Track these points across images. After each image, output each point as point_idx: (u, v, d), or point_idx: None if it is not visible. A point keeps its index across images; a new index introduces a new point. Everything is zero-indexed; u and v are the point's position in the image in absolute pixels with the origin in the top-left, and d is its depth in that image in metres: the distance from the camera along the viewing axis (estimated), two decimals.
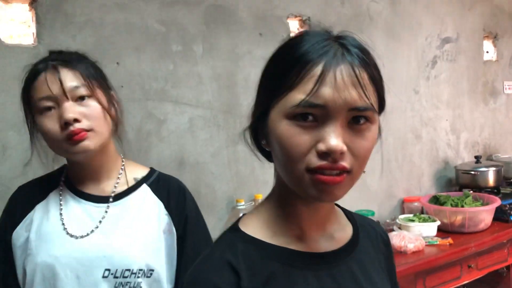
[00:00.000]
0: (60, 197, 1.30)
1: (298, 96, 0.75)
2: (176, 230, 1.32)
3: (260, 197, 2.44)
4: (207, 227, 1.41)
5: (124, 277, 1.20)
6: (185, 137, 2.36)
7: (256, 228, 0.87)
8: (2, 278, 1.31)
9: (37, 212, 1.29)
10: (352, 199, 1.90)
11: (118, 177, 1.33)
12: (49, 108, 1.20)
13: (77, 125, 1.19)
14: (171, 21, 2.29)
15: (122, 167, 1.36)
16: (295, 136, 0.76)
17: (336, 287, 0.84)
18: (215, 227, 2.38)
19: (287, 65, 0.77)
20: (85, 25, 2.03)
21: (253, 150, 0.89)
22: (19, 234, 1.29)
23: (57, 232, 1.24)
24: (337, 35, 0.80)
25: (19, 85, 1.27)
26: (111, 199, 1.30)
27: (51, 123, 1.19)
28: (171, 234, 1.32)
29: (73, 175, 1.33)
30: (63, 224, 1.25)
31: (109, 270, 1.20)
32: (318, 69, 0.74)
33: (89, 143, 1.21)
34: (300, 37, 0.79)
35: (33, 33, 1.88)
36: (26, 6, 1.94)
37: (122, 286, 1.20)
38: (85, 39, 2.03)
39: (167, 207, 1.34)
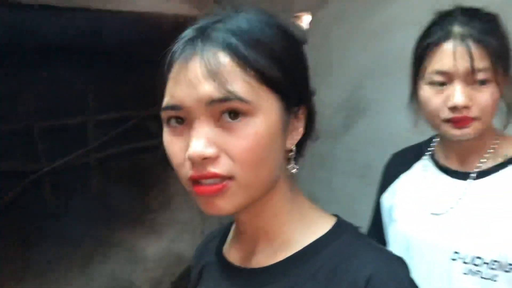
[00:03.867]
0: (424, 170, 1.16)
1: (165, 99, 0.62)
2: None
3: None
4: None
5: (474, 264, 0.97)
6: None
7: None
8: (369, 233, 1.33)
9: (401, 182, 1.20)
10: None
11: (488, 152, 1.07)
12: (441, 84, 1.01)
13: (465, 112, 0.99)
14: None
15: (495, 143, 1.08)
16: (171, 144, 0.62)
17: None
18: None
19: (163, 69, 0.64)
20: None
21: None
22: (386, 199, 1.25)
23: (417, 206, 1.12)
24: (216, 19, 0.62)
25: None
26: (473, 175, 1.06)
27: (437, 99, 1.02)
28: None
29: (441, 148, 1.16)
30: (423, 198, 1.11)
31: (458, 253, 1.00)
32: (171, 67, 0.61)
33: (470, 131, 1.01)
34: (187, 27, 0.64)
35: None
36: None
37: (472, 273, 0.97)
38: None
39: None
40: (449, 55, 0.97)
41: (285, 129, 0.64)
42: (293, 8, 2.43)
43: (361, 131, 1.98)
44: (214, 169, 0.58)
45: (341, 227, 0.69)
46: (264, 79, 0.60)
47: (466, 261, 0.98)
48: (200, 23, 0.63)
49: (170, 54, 0.62)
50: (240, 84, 0.58)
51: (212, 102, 0.58)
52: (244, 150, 0.58)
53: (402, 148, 1.30)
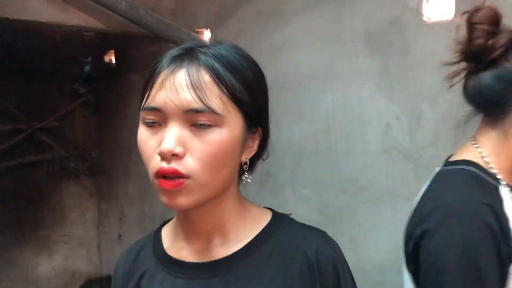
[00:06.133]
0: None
1: (144, 102, 0.73)
2: None
3: None
4: None
5: None
6: None
7: (169, 228, 0.87)
8: None
9: None
10: None
11: None
12: None
13: None
14: None
15: None
16: (145, 140, 0.72)
17: None
18: None
19: (147, 74, 0.75)
20: None
21: None
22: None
23: None
24: (201, 44, 0.75)
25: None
26: None
27: None
28: None
29: (504, 173, 0.94)
30: None
31: None
32: (157, 76, 0.72)
33: None
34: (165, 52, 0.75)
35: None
36: None
37: None
38: None
39: None
40: None
41: (243, 144, 0.75)
42: (195, 24, 2.51)
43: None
44: (177, 166, 0.67)
45: (278, 217, 0.84)
46: (235, 99, 0.71)
47: None
48: (187, 44, 0.75)
49: (156, 65, 0.73)
50: (215, 99, 0.69)
51: (189, 110, 0.68)
52: (207, 153, 0.69)
53: (464, 192, 0.90)
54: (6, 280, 3.29)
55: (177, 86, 0.69)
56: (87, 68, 3.45)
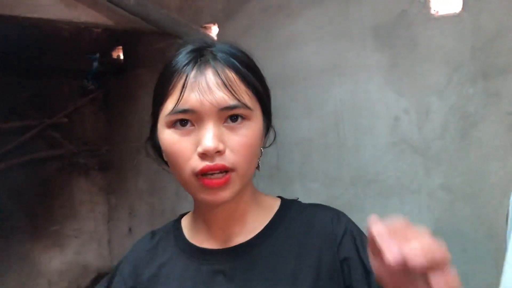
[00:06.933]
0: None
1: (170, 105, 0.73)
2: None
3: None
4: None
5: None
6: None
7: (188, 221, 0.89)
8: None
9: None
10: None
11: None
12: None
13: None
14: None
15: None
16: (177, 143, 0.73)
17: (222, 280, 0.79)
18: None
19: (163, 78, 0.76)
20: None
21: (157, 162, 0.85)
22: None
23: None
24: (209, 44, 0.78)
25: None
26: None
27: None
28: None
29: None
30: None
31: None
32: (183, 78, 0.72)
33: None
34: (177, 50, 0.77)
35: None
36: None
37: None
38: None
39: None
40: None
41: (262, 135, 0.81)
42: (201, 19, 2.52)
43: (271, 135, 2.09)
44: (221, 161, 0.72)
45: (287, 202, 0.89)
46: (256, 93, 0.77)
47: None
48: (197, 44, 0.78)
49: (174, 67, 0.75)
50: (244, 95, 0.75)
51: (225, 108, 0.72)
52: (244, 145, 0.74)
53: None
54: (18, 274, 3.32)
55: (211, 86, 0.72)
56: (95, 64, 3.46)
